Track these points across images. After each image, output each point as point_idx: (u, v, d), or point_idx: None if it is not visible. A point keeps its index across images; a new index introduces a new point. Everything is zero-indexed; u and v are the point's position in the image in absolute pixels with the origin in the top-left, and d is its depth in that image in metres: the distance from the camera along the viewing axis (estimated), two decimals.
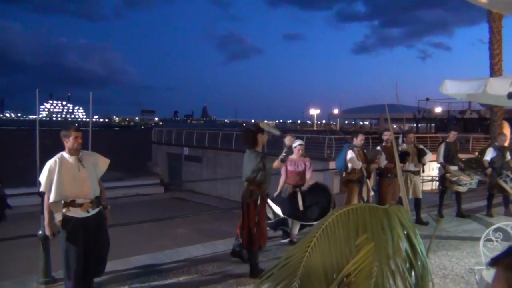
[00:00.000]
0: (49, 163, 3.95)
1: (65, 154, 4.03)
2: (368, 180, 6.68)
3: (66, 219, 3.94)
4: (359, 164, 6.51)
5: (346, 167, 6.59)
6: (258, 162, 4.81)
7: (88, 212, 4.00)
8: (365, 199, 6.62)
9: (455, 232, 7.01)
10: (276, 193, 6.04)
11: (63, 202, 3.93)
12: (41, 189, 3.96)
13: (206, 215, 15.99)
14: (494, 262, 0.84)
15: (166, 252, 5.78)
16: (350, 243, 1.99)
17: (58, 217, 3.93)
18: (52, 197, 3.88)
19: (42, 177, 3.93)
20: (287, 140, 5.31)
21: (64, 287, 4.11)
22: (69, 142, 3.99)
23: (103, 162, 4.28)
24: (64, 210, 3.93)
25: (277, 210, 5.90)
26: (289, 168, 6.08)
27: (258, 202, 4.91)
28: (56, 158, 3.98)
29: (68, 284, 4.01)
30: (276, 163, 4.80)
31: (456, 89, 5.75)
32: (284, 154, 4.94)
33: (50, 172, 3.91)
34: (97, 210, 4.10)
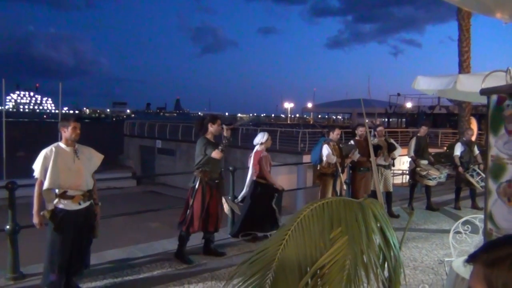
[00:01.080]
0: (45, 151, 3.89)
1: (61, 144, 3.98)
2: (341, 174, 6.77)
3: (55, 211, 3.86)
4: (334, 159, 6.58)
5: (321, 160, 6.66)
6: (201, 147, 5.01)
7: (79, 204, 3.94)
8: (339, 193, 6.71)
9: (425, 225, 7.20)
10: (247, 192, 5.98)
11: (56, 191, 3.85)
12: (36, 175, 3.87)
13: (180, 209, 15.82)
14: (472, 258, 0.81)
15: (139, 246, 5.72)
16: (325, 236, 2.00)
17: (50, 207, 3.85)
18: (46, 184, 3.80)
19: (37, 164, 3.86)
20: (225, 130, 5.15)
21: (45, 280, 3.95)
22: (67, 132, 3.95)
23: (97, 157, 4.24)
24: (55, 202, 3.86)
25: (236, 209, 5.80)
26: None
27: (196, 187, 5.06)
28: (52, 146, 3.93)
29: (52, 277, 3.88)
30: (215, 153, 4.85)
31: (428, 85, 5.87)
32: (223, 144, 4.95)
33: (46, 159, 3.84)
34: (88, 203, 4.04)
